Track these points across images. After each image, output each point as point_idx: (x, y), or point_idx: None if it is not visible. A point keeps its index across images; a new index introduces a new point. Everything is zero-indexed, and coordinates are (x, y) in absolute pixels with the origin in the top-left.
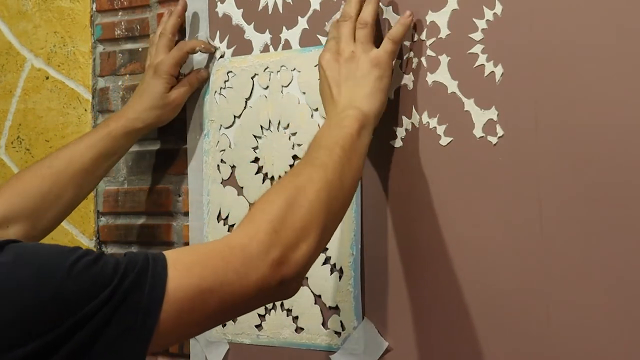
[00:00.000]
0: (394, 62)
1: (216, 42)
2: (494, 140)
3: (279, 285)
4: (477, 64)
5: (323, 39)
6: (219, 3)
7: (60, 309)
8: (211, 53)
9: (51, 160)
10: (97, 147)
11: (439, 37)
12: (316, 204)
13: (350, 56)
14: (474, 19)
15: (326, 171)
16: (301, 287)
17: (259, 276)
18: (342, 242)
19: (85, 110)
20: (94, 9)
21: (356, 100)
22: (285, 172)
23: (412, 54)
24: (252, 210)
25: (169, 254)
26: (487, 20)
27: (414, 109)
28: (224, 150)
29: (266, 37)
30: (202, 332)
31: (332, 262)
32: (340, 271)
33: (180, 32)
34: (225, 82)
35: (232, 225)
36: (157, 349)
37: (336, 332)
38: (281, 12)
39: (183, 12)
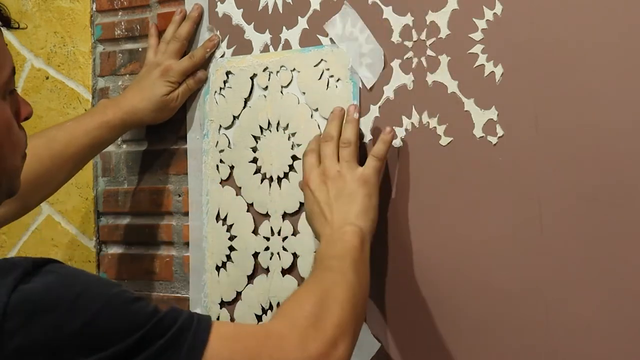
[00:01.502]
0: (380, 179)
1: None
2: (494, 140)
3: None
4: (477, 64)
5: (323, 39)
6: (219, 3)
7: (90, 339)
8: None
9: (49, 141)
10: (94, 134)
11: (439, 37)
12: (346, 304)
13: (336, 175)
14: (474, 19)
15: (345, 275)
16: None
17: None
18: None
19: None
20: (94, 9)
21: (351, 218)
22: (285, 173)
23: (412, 54)
24: (283, 307)
25: (214, 321)
26: (487, 20)
27: (414, 109)
28: (223, 150)
29: (266, 37)
30: None
31: None
32: None
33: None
34: (224, 82)
35: (231, 226)
36: None
37: None
38: (281, 12)
39: (199, 19)
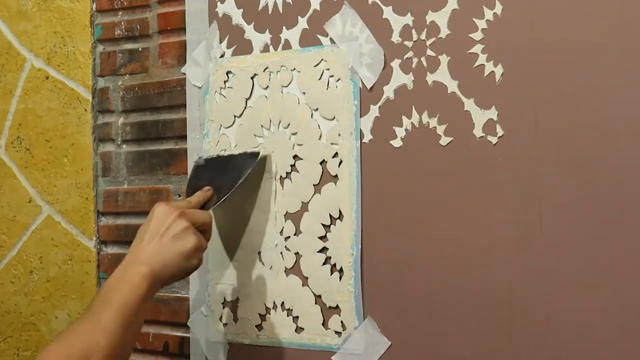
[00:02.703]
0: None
1: (216, 42)
2: (494, 140)
3: None
4: (477, 64)
5: (323, 39)
6: (219, 3)
7: None
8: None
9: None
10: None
11: (439, 37)
12: None
13: (178, 219)
14: (474, 19)
15: (112, 337)
16: (302, 287)
17: None
18: (342, 242)
19: (85, 110)
20: (94, 9)
21: (155, 260)
22: (288, 173)
23: (412, 54)
24: (48, 346)
25: None
26: (487, 20)
27: (414, 109)
28: (225, 150)
29: (266, 37)
30: None
31: (332, 262)
32: (340, 271)
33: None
34: (225, 82)
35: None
36: None
37: (336, 332)
38: (281, 12)
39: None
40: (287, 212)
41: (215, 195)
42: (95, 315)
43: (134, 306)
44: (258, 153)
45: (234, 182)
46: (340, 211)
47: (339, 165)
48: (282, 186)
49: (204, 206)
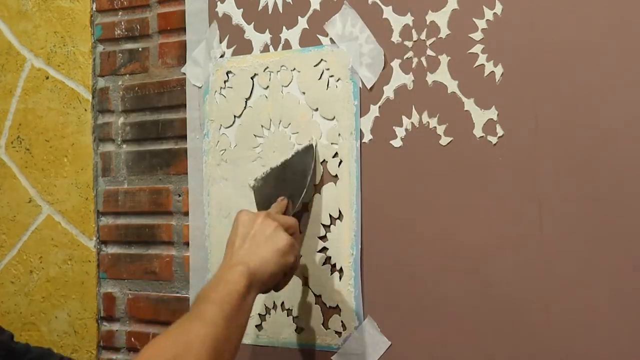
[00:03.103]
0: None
1: (216, 42)
2: (494, 140)
3: None
4: (477, 64)
5: (323, 39)
6: (219, 3)
7: None
8: None
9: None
10: None
11: (439, 37)
12: None
13: (265, 220)
14: (474, 19)
15: (215, 328)
16: (302, 287)
17: None
18: (342, 242)
19: (85, 110)
20: (94, 9)
21: (250, 259)
22: None
23: (412, 53)
24: (144, 351)
25: None
26: (487, 20)
27: (414, 109)
28: (225, 150)
29: (266, 37)
30: None
31: (332, 262)
32: (340, 271)
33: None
34: (225, 82)
35: None
36: None
37: (336, 332)
38: (281, 12)
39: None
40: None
41: (290, 202)
42: (195, 311)
43: (234, 301)
44: (311, 145)
45: (303, 183)
46: (340, 211)
47: (339, 165)
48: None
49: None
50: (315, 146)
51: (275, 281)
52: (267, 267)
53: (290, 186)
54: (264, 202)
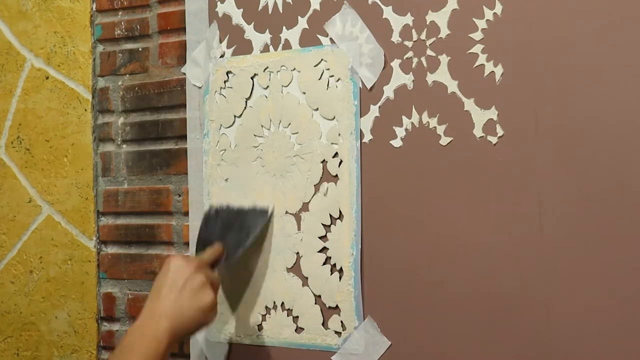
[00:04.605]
0: (213, 292)
1: (216, 42)
2: (494, 140)
3: None
4: (477, 64)
5: (323, 39)
6: (219, 3)
7: None
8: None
9: None
10: None
11: (439, 37)
12: None
13: (196, 273)
14: (474, 19)
15: None
16: (302, 287)
17: None
18: (342, 242)
19: (85, 110)
20: (94, 9)
21: (175, 316)
22: (287, 173)
23: (412, 54)
24: None
25: None
26: (487, 20)
27: (414, 109)
28: (225, 150)
29: (266, 37)
30: None
31: (332, 262)
32: (340, 271)
33: (180, 30)
34: (224, 82)
35: None
36: None
37: (336, 332)
38: (281, 12)
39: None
40: (286, 211)
41: (224, 253)
42: None
43: (157, 359)
44: (267, 210)
45: (243, 241)
46: (340, 211)
47: (339, 165)
48: (283, 186)
49: (214, 264)
50: (271, 214)
51: (189, 336)
52: (188, 325)
53: (234, 237)
54: (205, 236)
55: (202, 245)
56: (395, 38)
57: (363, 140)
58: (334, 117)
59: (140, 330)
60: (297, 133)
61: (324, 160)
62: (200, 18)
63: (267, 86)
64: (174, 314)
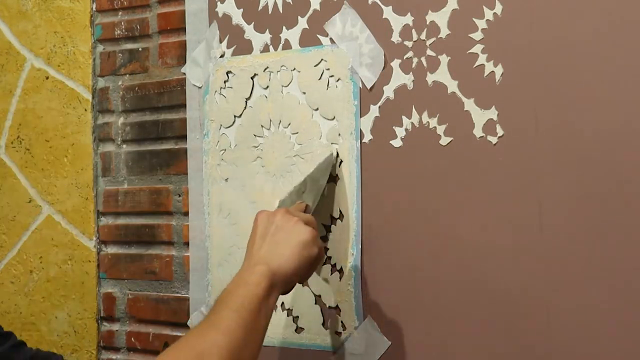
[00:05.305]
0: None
1: (216, 42)
2: (494, 140)
3: None
4: (477, 64)
5: (323, 39)
6: (219, 3)
7: None
8: None
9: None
10: None
11: (439, 37)
12: None
13: (284, 216)
14: (474, 19)
15: (231, 336)
16: (302, 287)
17: None
18: (342, 242)
19: (85, 110)
20: (94, 9)
21: (271, 259)
22: (287, 172)
23: (412, 54)
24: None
25: None
26: (487, 20)
27: (414, 109)
28: (225, 150)
29: (266, 37)
30: None
31: (332, 262)
32: (340, 271)
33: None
34: (224, 82)
35: (234, 225)
36: None
37: (336, 332)
38: (281, 12)
39: None
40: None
41: (307, 206)
42: (212, 318)
43: (253, 306)
44: (331, 155)
45: (316, 198)
46: (340, 211)
47: (339, 165)
48: (283, 185)
49: None
50: (337, 157)
51: (300, 275)
52: (289, 263)
53: (309, 192)
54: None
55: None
56: (395, 38)
57: (363, 140)
58: (334, 117)
59: (235, 281)
60: (297, 133)
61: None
62: (200, 18)
63: (267, 86)
64: (269, 256)
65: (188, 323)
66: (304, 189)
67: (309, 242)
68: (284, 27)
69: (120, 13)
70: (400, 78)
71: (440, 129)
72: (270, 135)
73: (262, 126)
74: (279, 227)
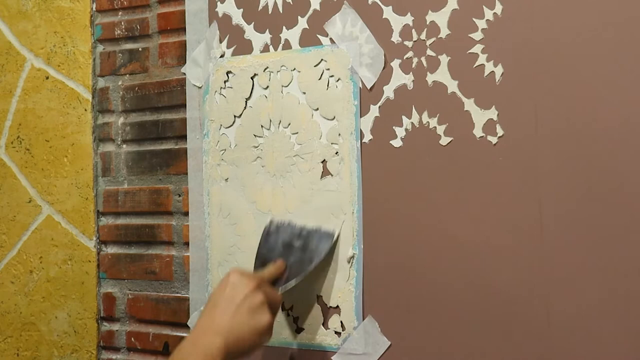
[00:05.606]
0: (273, 311)
1: (216, 42)
2: (494, 140)
3: None
4: (477, 64)
5: (323, 39)
6: (219, 3)
7: None
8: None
9: None
10: None
11: (439, 37)
12: None
13: (255, 292)
14: (474, 19)
15: None
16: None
17: None
18: (343, 242)
19: (85, 110)
20: (94, 9)
21: (229, 334)
22: (287, 173)
23: (412, 54)
24: None
25: None
26: (487, 20)
27: (414, 109)
28: (225, 150)
29: (266, 37)
30: None
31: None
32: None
33: (180, 31)
34: (224, 82)
35: (234, 225)
36: None
37: (336, 332)
38: (281, 12)
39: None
40: (286, 211)
41: (286, 272)
42: None
43: None
44: (332, 234)
45: (306, 266)
46: (340, 211)
47: (339, 165)
48: (283, 185)
49: (274, 282)
50: (336, 239)
51: (242, 356)
52: (242, 345)
53: (296, 259)
54: (265, 253)
55: (261, 261)
56: (395, 38)
57: (363, 140)
58: (334, 117)
59: (193, 345)
60: (297, 133)
61: (324, 160)
62: (200, 18)
63: (267, 86)
64: (229, 332)
65: (188, 323)
66: (295, 243)
67: (266, 332)
68: (284, 27)
69: (120, 13)
70: (400, 78)
71: (440, 129)
72: (270, 135)
73: (262, 126)
74: (246, 300)
